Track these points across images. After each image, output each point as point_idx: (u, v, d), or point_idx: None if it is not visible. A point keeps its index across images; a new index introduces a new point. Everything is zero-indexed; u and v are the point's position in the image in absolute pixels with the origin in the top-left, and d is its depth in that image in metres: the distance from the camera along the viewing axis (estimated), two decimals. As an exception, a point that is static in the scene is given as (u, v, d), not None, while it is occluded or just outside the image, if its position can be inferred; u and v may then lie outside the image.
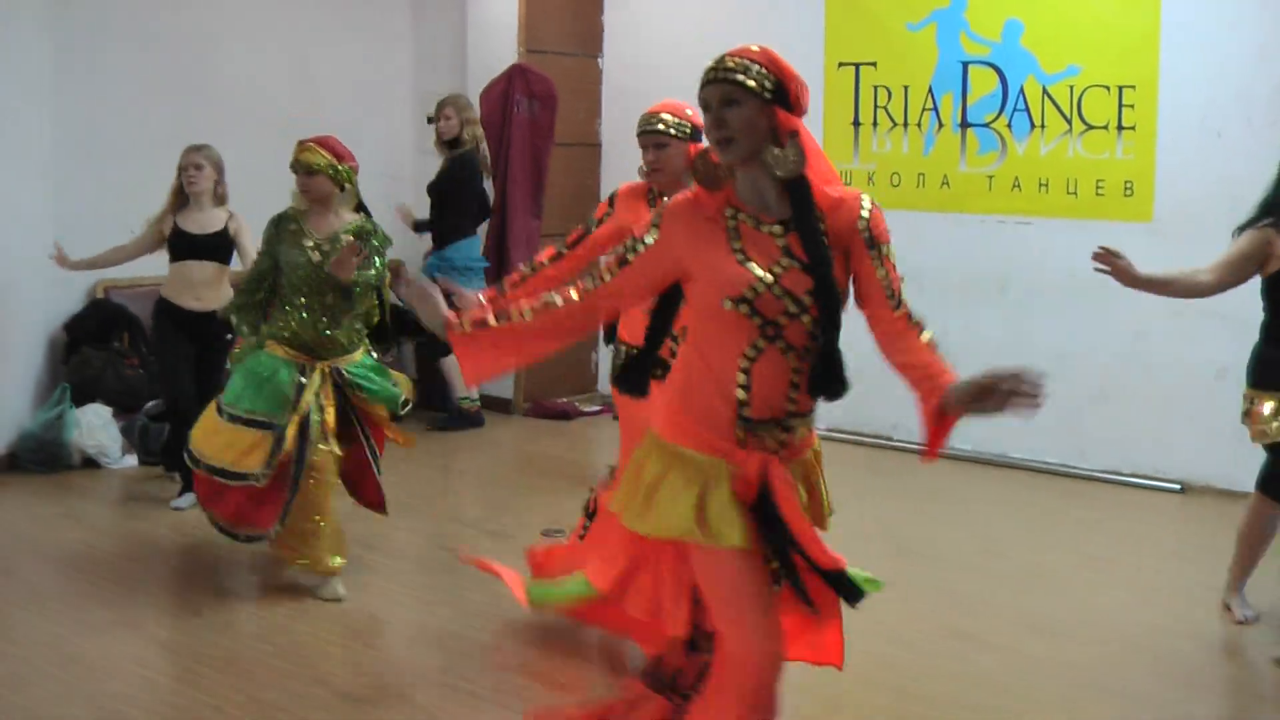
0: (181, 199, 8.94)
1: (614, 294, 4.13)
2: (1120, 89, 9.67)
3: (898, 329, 3.96)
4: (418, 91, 12.72)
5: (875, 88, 10.83)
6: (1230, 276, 6.49)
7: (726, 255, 3.91)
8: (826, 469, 4.29)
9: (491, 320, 4.19)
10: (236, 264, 9.07)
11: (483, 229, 11.41)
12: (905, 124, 10.70)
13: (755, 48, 3.97)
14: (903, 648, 6.52)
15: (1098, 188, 9.71)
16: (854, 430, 10.63)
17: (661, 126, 6.03)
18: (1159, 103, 9.54)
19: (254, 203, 11.37)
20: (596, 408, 12.12)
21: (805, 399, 4.00)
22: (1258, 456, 8.98)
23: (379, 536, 8.16)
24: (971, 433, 10.16)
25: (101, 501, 9.23)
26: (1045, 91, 9.98)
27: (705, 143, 4.25)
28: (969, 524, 8.58)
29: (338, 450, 7.26)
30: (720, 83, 3.91)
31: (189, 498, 8.48)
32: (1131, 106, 9.63)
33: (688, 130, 6.07)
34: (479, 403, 11.45)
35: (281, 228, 7.33)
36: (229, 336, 8.22)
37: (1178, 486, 9.43)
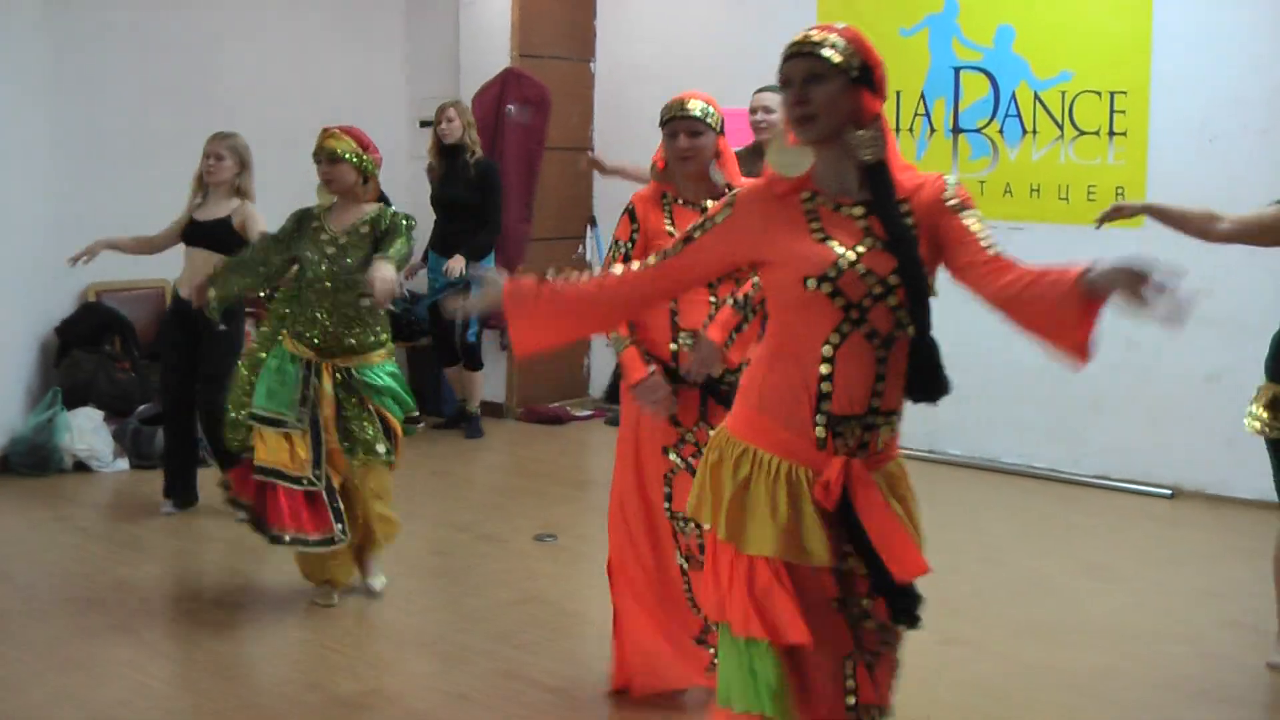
0: (203, 188, 8.77)
1: (675, 272, 3.95)
2: (1112, 95, 9.68)
3: (998, 265, 3.63)
4: (411, 96, 12.74)
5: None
6: (1246, 235, 6.28)
7: (805, 235, 3.72)
8: None
9: (551, 288, 4.02)
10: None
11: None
12: (897, 129, 10.70)
13: (841, 25, 3.81)
14: (896, 653, 6.53)
15: (1089, 193, 9.72)
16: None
17: (698, 113, 5.77)
18: (1150, 108, 9.55)
19: (257, 205, 11.45)
20: (588, 412, 12.13)
21: (892, 395, 3.74)
22: (1248, 461, 9.01)
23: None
24: (964, 438, 10.19)
25: (93, 505, 9.23)
26: (1037, 97, 9.99)
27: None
28: (963, 529, 8.58)
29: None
30: (805, 56, 3.74)
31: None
32: (1123, 112, 9.64)
33: (719, 121, 5.82)
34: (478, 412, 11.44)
35: (304, 224, 7.09)
36: (221, 328, 8.16)
37: (1168, 492, 9.44)
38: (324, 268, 6.90)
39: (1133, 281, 3.35)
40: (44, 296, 10.41)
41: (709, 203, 5.62)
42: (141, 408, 10.21)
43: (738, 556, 3.74)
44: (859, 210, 3.72)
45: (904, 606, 3.87)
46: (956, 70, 10.39)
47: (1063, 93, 9.88)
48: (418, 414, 7.37)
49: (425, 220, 10.86)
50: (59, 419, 9.85)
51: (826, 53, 3.71)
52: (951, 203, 3.72)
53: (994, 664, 6.45)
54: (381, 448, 7.03)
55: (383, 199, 7.19)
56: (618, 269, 4.01)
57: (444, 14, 12.53)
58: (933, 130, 10.52)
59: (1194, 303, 3.31)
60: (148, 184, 10.85)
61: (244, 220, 8.54)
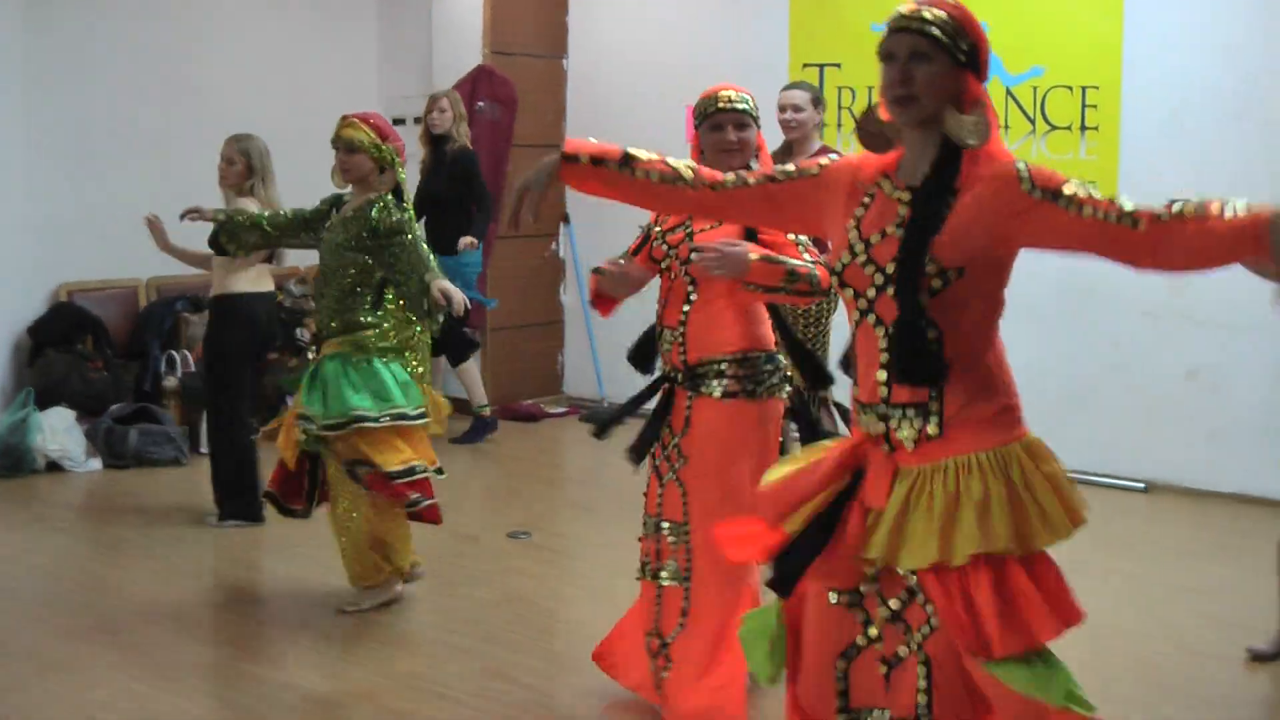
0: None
1: (746, 201, 3.89)
2: (1084, 89, 9.71)
3: (1156, 233, 3.35)
4: (383, 93, 12.72)
5: (840, 89, 10.85)
6: None
7: (845, 223, 3.65)
8: None
9: (613, 165, 4.04)
10: (294, 259, 9.04)
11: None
12: (871, 124, 10.70)
13: (951, 1, 3.59)
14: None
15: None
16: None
17: (744, 107, 5.56)
18: (1122, 103, 9.57)
19: (222, 204, 11.41)
20: (563, 409, 12.13)
21: (899, 387, 3.55)
22: (1226, 456, 9.07)
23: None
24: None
25: (68, 506, 9.21)
26: (1009, 92, 10.01)
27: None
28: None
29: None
30: (912, 33, 3.53)
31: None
32: (1095, 107, 9.66)
33: (758, 115, 5.64)
34: (488, 408, 11.32)
35: (330, 209, 7.14)
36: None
37: (1142, 486, 9.46)
38: (322, 253, 6.99)
39: None
40: (15, 297, 10.38)
41: None
42: (114, 406, 10.18)
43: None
44: (906, 195, 3.58)
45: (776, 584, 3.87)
46: (929, 65, 10.39)
47: (1034, 88, 9.90)
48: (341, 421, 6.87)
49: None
50: (31, 419, 9.81)
51: (935, 31, 3.52)
52: (1034, 195, 3.42)
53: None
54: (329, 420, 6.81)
55: (397, 190, 7.00)
56: (688, 175, 4.02)
57: (417, 11, 12.52)
58: (905, 126, 10.52)
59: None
60: (125, 183, 10.84)
61: None
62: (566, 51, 12.55)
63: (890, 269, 3.51)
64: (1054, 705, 3.44)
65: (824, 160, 3.82)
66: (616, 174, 4.04)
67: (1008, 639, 3.41)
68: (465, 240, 10.40)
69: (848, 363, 6.95)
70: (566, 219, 12.53)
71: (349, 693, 6.02)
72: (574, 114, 12.54)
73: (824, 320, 7.75)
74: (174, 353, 10.71)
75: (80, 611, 7.01)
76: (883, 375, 3.57)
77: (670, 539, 5.53)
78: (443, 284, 6.59)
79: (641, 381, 5.74)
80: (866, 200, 3.63)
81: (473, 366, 11.07)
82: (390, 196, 6.86)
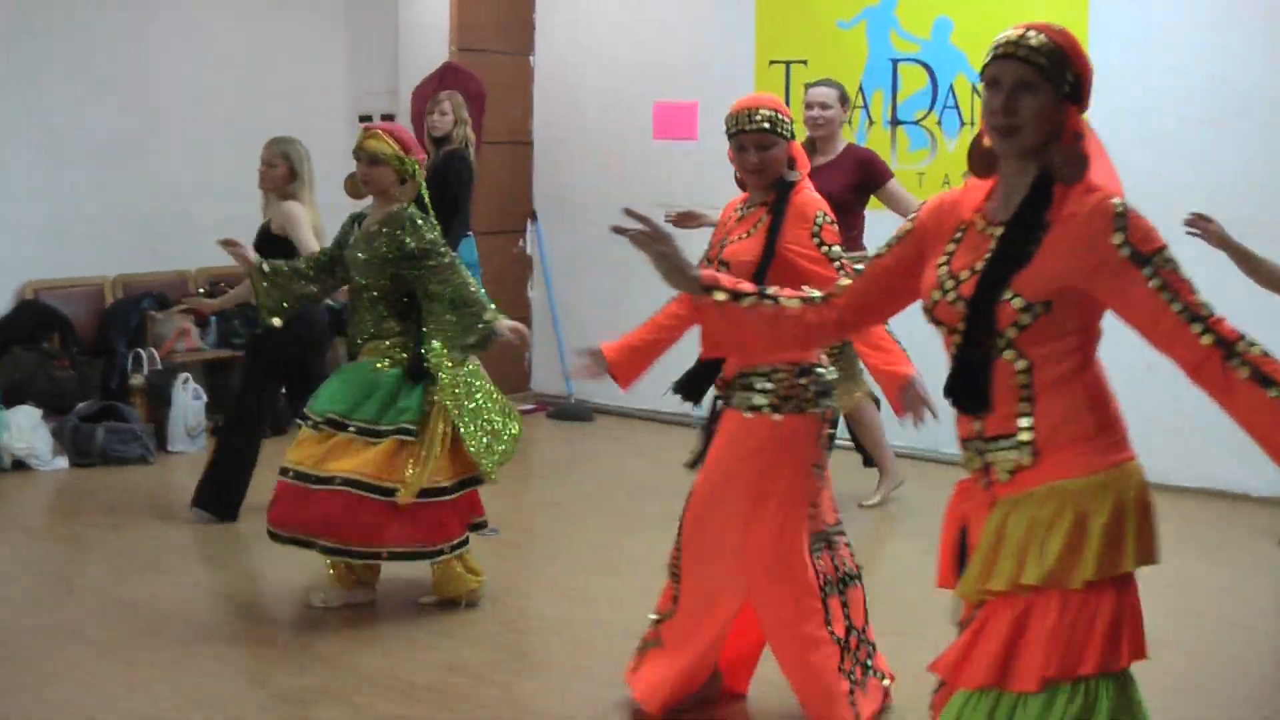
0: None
1: (873, 290, 3.76)
2: (1049, 86, 9.73)
3: (1213, 366, 3.28)
4: (351, 91, 12.71)
5: (806, 85, 10.85)
6: None
7: (935, 260, 3.56)
8: None
9: (750, 295, 3.75)
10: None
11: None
12: (836, 122, 10.74)
13: (1058, 28, 3.55)
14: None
15: (1028, 185, 9.77)
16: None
17: (768, 125, 5.28)
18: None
19: (195, 203, 11.40)
20: (530, 406, 12.12)
21: (996, 420, 3.44)
22: (1189, 450, 9.10)
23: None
24: (908, 430, 10.22)
25: (34, 504, 9.18)
26: (975, 89, 10.04)
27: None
28: (911, 525, 8.62)
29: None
30: (1019, 61, 3.45)
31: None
32: (1060, 103, 9.68)
33: (790, 127, 5.37)
34: None
35: (351, 227, 7.00)
36: (258, 331, 8.03)
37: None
38: (356, 271, 6.82)
39: None
40: (-20, 295, 10.37)
41: (755, 206, 5.43)
42: (81, 405, 10.15)
43: None
44: (999, 230, 3.45)
45: None
46: (894, 62, 10.44)
47: (1000, 85, 9.92)
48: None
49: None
50: (-3, 417, 9.80)
51: (1041, 60, 3.46)
52: (1124, 251, 3.30)
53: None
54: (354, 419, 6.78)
55: (419, 202, 6.93)
56: (817, 295, 3.81)
57: (383, 9, 12.52)
58: (871, 122, 10.56)
59: None
60: (89, 181, 10.82)
61: (282, 222, 8.33)
62: (533, 49, 12.55)
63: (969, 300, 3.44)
64: None
65: (912, 215, 3.72)
66: (759, 307, 3.76)
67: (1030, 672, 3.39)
68: None
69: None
70: (534, 216, 12.52)
71: (315, 689, 6.01)
72: (541, 112, 12.54)
73: None
74: (140, 350, 10.68)
75: (45, 610, 7.00)
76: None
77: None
78: (509, 324, 6.64)
79: (604, 383, 5.77)
80: (958, 236, 3.55)
81: None
82: (414, 210, 6.79)
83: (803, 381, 5.28)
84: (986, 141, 3.53)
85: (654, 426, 11.36)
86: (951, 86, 10.15)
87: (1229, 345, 3.22)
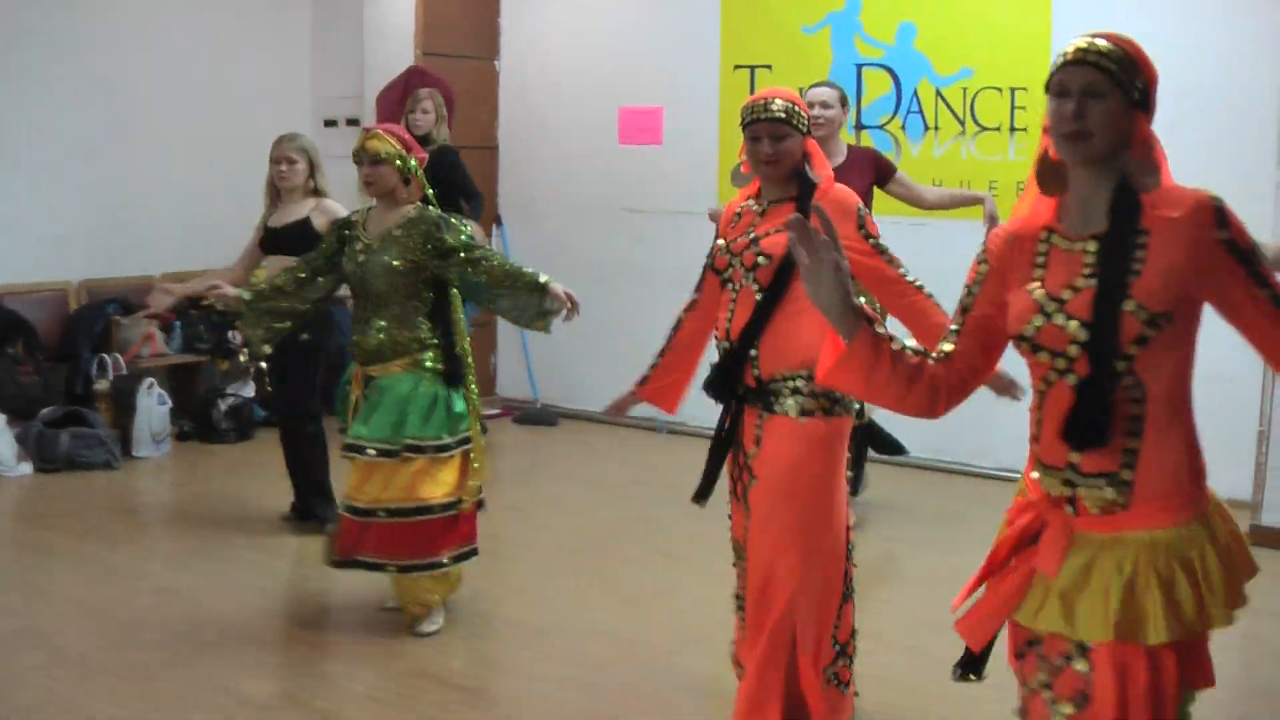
0: (275, 194, 8.36)
1: (972, 342, 3.61)
2: (1013, 91, 9.79)
3: None
4: (316, 95, 12.70)
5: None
6: None
7: (1024, 285, 3.43)
8: None
9: (889, 343, 3.50)
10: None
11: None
12: (801, 126, 10.76)
13: (1125, 36, 3.50)
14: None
15: (991, 188, 9.80)
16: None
17: (782, 115, 5.18)
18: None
19: (160, 208, 11.38)
20: (496, 411, 12.12)
21: (1089, 455, 3.32)
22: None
23: (279, 543, 8.18)
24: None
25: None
26: (939, 94, 10.08)
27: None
28: (872, 523, 8.64)
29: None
30: (1090, 67, 3.39)
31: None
32: (1024, 108, 9.74)
33: (806, 122, 5.26)
34: None
35: (346, 233, 6.77)
36: (304, 337, 7.88)
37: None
38: (354, 276, 6.66)
39: None
40: (-56, 300, 10.33)
41: (777, 203, 5.27)
42: (45, 410, 10.12)
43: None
44: (1093, 245, 3.35)
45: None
46: (859, 67, 10.47)
47: (964, 89, 9.97)
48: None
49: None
50: (-39, 423, 9.77)
51: (1111, 66, 3.39)
52: (1228, 246, 3.25)
53: (903, 657, 6.49)
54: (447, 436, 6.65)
55: (425, 200, 6.84)
56: (946, 346, 3.63)
57: (349, 13, 12.50)
58: (836, 127, 10.59)
59: None
60: (53, 186, 10.79)
61: (326, 218, 8.07)
62: (499, 53, 12.55)
63: (1088, 321, 3.30)
64: None
65: (980, 256, 3.59)
66: (901, 353, 3.52)
67: None
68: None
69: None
70: (499, 220, 12.52)
71: (281, 695, 6.02)
72: (506, 116, 12.54)
73: None
74: (105, 356, 10.64)
75: (9, 615, 6.97)
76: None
77: (740, 563, 5.46)
78: (558, 285, 6.57)
79: (602, 384, 5.75)
80: (1040, 259, 3.43)
81: None
82: (434, 210, 6.70)
83: None
84: (1054, 154, 3.44)
85: (618, 431, 11.37)
86: (915, 91, 10.19)
87: None
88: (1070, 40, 3.50)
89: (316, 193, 8.32)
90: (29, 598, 7.27)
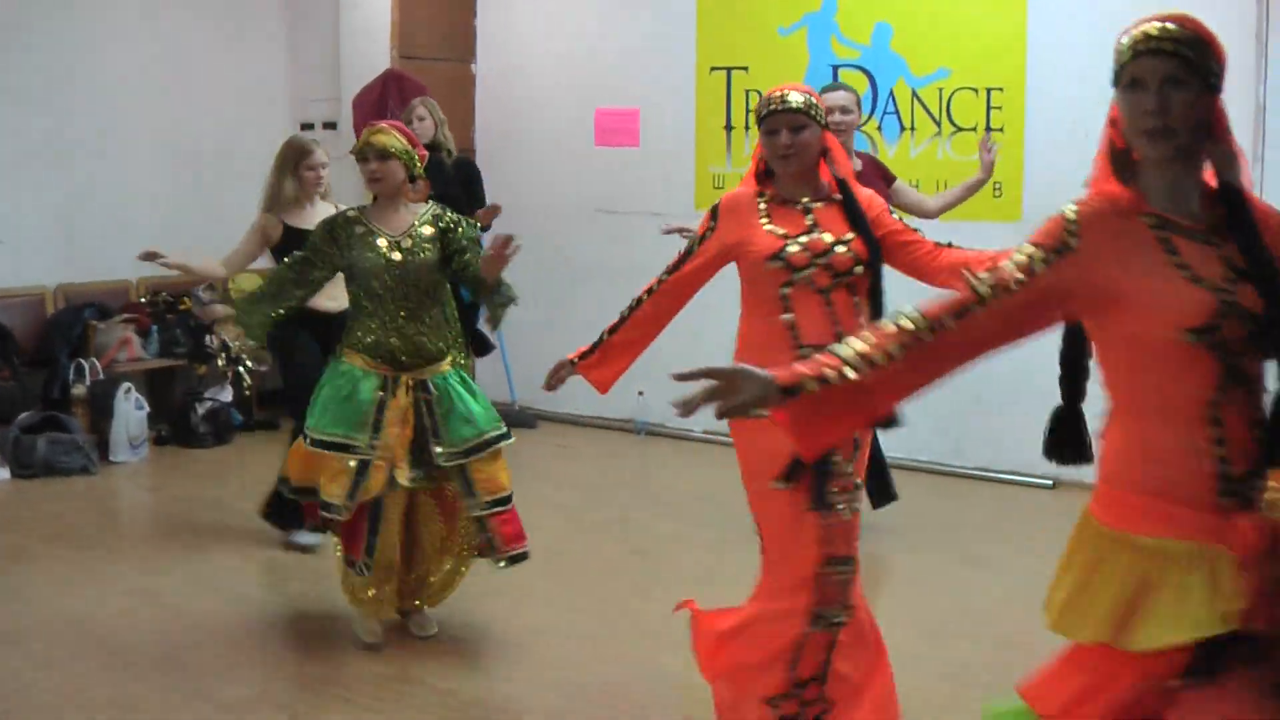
0: (293, 196, 8.16)
1: (1013, 315, 3.28)
2: (989, 91, 9.81)
3: None
4: (292, 97, 12.68)
5: (747, 91, 10.91)
6: None
7: (1172, 274, 3.10)
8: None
9: (850, 372, 3.27)
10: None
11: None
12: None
13: (1189, 15, 3.24)
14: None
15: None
16: (723, 431, 10.64)
17: (801, 106, 5.05)
18: (1026, 104, 9.69)
19: (136, 212, 11.35)
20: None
21: (1273, 444, 3.10)
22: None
23: (257, 547, 8.17)
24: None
25: (-26, 516, 9.14)
26: (915, 94, 10.10)
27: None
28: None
29: (405, 480, 6.43)
30: (1165, 56, 3.17)
31: (309, 535, 7.90)
32: (1000, 108, 9.77)
33: (822, 115, 5.10)
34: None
35: (344, 231, 6.45)
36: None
37: (1049, 482, 9.57)
38: (386, 273, 6.37)
39: None
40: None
41: (813, 203, 5.10)
42: (22, 415, 10.10)
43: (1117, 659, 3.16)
44: (1216, 240, 3.14)
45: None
46: (835, 68, 10.48)
47: (940, 89, 9.99)
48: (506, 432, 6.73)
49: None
50: (-63, 428, 9.75)
51: (1188, 52, 3.16)
52: None
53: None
54: (494, 430, 6.60)
55: (430, 198, 6.74)
56: (949, 321, 3.32)
57: (324, 15, 12.48)
58: (813, 128, 10.60)
59: None
60: (27, 189, 10.76)
61: None
62: (475, 56, 12.53)
63: (1263, 319, 3.07)
64: None
65: (1068, 228, 3.22)
66: (857, 382, 3.27)
67: None
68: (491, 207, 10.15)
69: None
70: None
71: (256, 698, 6.01)
72: (482, 118, 12.52)
73: None
74: (82, 360, 10.61)
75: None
76: (1258, 432, 3.12)
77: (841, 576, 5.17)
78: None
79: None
80: (1164, 242, 3.16)
81: None
82: (450, 210, 6.63)
83: None
84: (1120, 143, 3.28)
85: (596, 432, 11.38)
86: (891, 92, 10.20)
87: None
88: (1142, 27, 3.30)
89: (326, 196, 8.29)
90: (5, 602, 7.24)
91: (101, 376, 10.58)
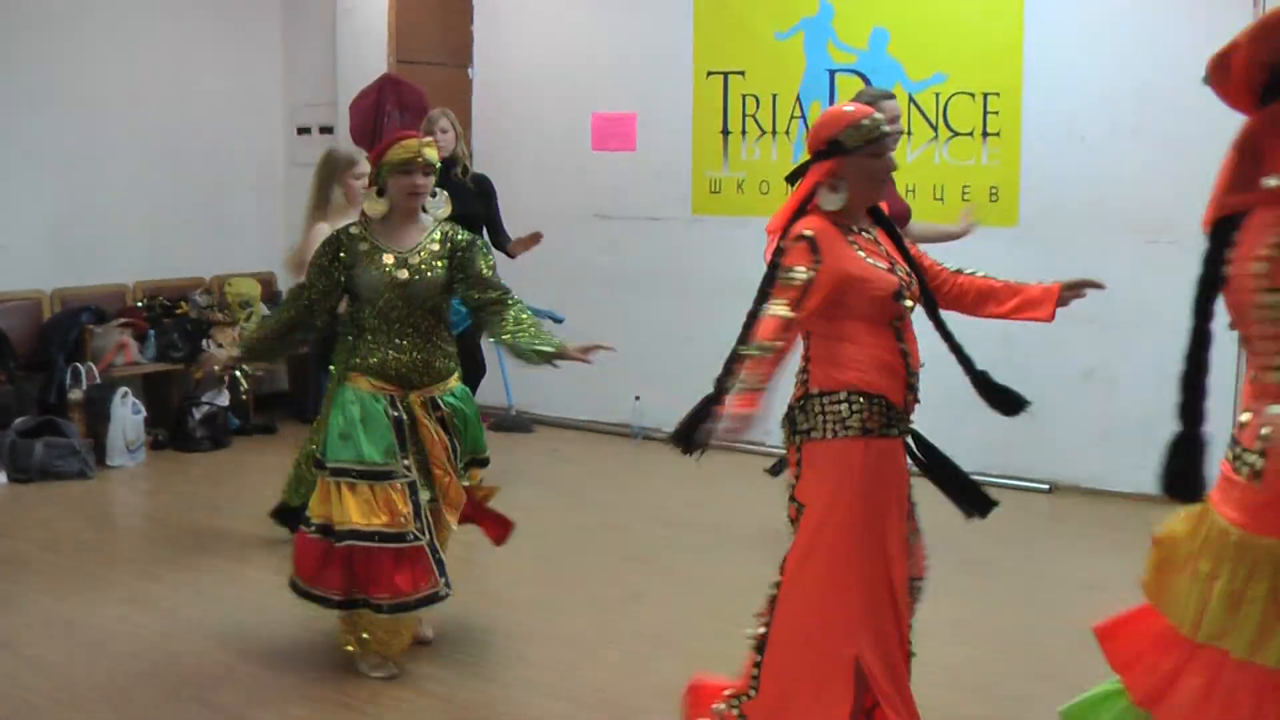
0: (329, 208, 8.01)
1: None
2: (985, 96, 9.81)
3: None
4: (288, 103, 12.69)
5: (744, 96, 10.91)
6: None
7: None
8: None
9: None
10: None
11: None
12: (774, 132, 10.79)
13: None
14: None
15: (964, 193, 9.84)
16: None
17: (893, 129, 4.95)
18: (1023, 109, 9.69)
19: (132, 216, 11.35)
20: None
21: None
22: (1123, 455, 9.17)
23: (252, 552, 8.17)
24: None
25: (-29, 520, 9.13)
26: (911, 99, 10.09)
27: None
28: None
29: (425, 500, 6.25)
30: None
31: None
32: (996, 113, 9.77)
33: None
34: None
35: (347, 248, 6.19)
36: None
37: (1046, 486, 9.57)
38: (393, 292, 6.14)
39: None
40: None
41: (870, 228, 4.95)
42: (18, 420, 10.09)
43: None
44: None
45: None
46: (831, 73, 10.48)
47: (937, 94, 9.99)
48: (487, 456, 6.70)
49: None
50: (-67, 432, 9.74)
51: None
52: None
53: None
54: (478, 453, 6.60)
55: (451, 217, 6.49)
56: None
57: (321, 20, 12.48)
58: (809, 133, 10.60)
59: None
60: (24, 193, 10.76)
61: None
62: (472, 60, 12.54)
63: None
64: None
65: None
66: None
67: None
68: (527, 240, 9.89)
69: None
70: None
71: (251, 703, 5.99)
72: (480, 123, 12.52)
73: None
74: (79, 365, 10.61)
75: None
76: None
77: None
78: (572, 348, 6.27)
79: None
80: None
81: None
82: (464, 231, 6.41)
83: None
84: None
85: (592, 437, 11.37)
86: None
87: None
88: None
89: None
90: (0, 607, 7.25)
91: (98, 381, 10.58)
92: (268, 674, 6.36)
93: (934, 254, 5.29)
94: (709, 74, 11.08)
